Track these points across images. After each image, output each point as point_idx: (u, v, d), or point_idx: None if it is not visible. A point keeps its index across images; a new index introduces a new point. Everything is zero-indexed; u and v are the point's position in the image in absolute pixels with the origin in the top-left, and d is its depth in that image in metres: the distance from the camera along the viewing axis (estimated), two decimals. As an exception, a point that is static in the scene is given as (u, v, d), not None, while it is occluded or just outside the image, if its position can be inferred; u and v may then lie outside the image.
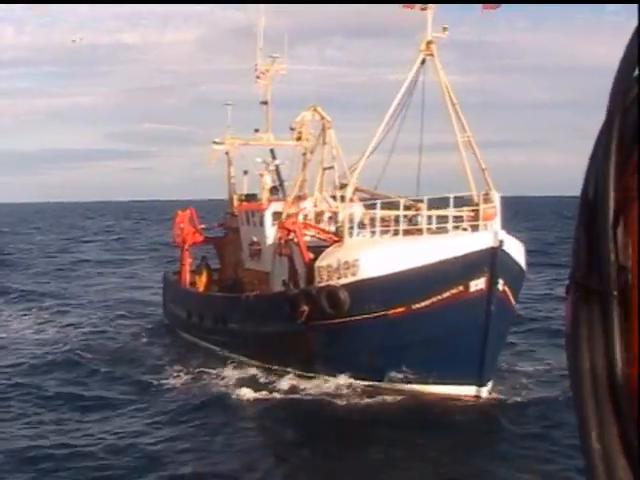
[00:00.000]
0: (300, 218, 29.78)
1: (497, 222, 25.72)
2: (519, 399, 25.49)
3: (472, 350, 24.94)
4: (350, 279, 26.09)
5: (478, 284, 24.79)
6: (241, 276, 37.20)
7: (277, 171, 37.57)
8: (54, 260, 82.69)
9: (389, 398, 25.97)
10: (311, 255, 28.21)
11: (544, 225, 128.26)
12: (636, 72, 1.42)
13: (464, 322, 24.92)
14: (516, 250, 25.68)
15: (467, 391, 25.60)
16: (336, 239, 27.57)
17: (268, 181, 37.02)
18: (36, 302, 50.26)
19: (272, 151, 39.94)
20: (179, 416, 25.52)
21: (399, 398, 25.81)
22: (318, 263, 26.93)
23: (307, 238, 28.85)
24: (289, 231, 28.53)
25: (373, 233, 27.04)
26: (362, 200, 29.03)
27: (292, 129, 39.28)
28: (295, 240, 28.57)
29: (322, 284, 26.74)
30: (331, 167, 33.73)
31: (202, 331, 35.61)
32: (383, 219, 27.99)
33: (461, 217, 26.32)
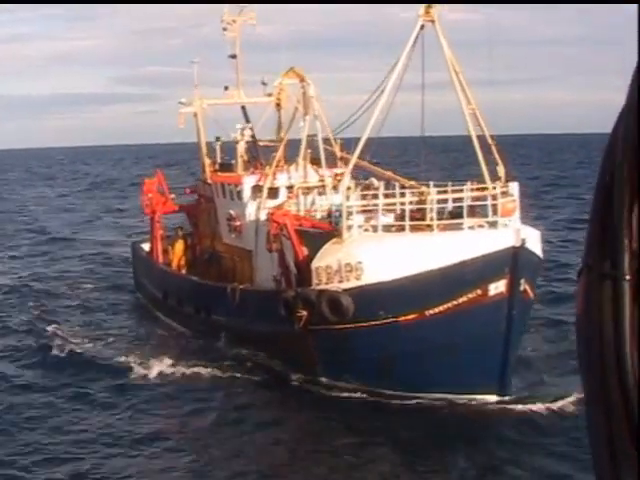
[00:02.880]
0: (292, 208, 26.85)
1: (517, 217, 23.06)
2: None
3: (493, 359, 22.66)
4: (353, 283, 23.46)
5: (498, 287, 22.34)
6: (219, 250, 34.38)
7: (253, 137, 34.37)
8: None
9: (398, 408, 23.83)
10: (305, 251, 25.46)
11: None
12: None
13: (483, 329, 22.58)
14: (534, 241, 23.20)
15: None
16: (331, 229, 24.74)
17: (243, 149, 33.83)
18: None
19: (244, 109, 36.69)
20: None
21: (409, 408, 23.71)
22: (316, 263, 24.16)
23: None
24: (279, 224, 25.62)
25: (374, 228, 24.18)
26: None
27: (264, 84, 36.07)
28: (286, 234, 25.71)
29: (321, 287, 24.07)
30: (314, 135, 30.73)
31: (181, 316, 32.93)
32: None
33: (475, 209, 23.57)
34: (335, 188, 30.50)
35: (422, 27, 24.60)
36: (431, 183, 24.32)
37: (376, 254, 23.25)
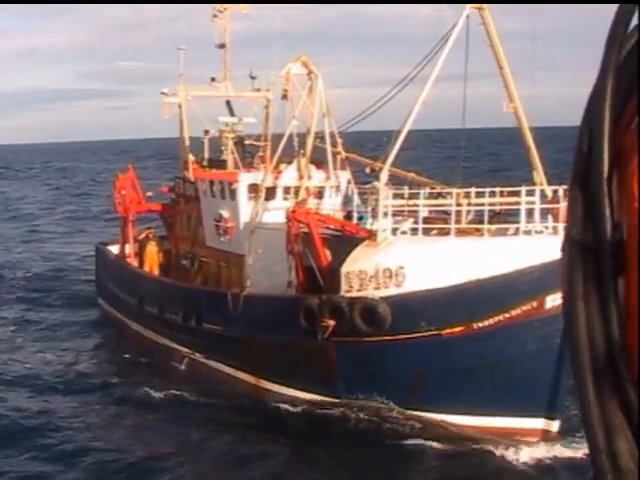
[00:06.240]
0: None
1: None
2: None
3: (544, 377, 20.57)
4: (392, 291, 21.08)
5: (557, 299, 20.25)
6: (201, 254, 31.51)
7: (240, 136, 31.83)
8: None
9: (432, 435, 21.38)
10: (328, 254, 22.96)
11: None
12: (631, 26, 1.42)
13: (536, 345, 20.50)
14: None
15: (534, 424, 21.26)
16: (364, 234, 22.30)
17: (233, 146, 31.21)
18: None
19: (229, 104, 34.05)
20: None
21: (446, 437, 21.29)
22: (347, 267, 21.71)
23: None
24: (301, 223, 23.07)
25: (414, 231, 21.91)
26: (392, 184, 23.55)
27: (252, 77, 33.68)
28: (309, 234, 23.16)
29: (352, 294, 21.63)
30: (321, 132, 28.31)
31: (162, 325, 29.95)
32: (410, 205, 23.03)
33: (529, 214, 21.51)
34: (338, 188, 28.41)
35: (467, 16, 22.63)
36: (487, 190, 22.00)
37: (420, 259, 20.95)
